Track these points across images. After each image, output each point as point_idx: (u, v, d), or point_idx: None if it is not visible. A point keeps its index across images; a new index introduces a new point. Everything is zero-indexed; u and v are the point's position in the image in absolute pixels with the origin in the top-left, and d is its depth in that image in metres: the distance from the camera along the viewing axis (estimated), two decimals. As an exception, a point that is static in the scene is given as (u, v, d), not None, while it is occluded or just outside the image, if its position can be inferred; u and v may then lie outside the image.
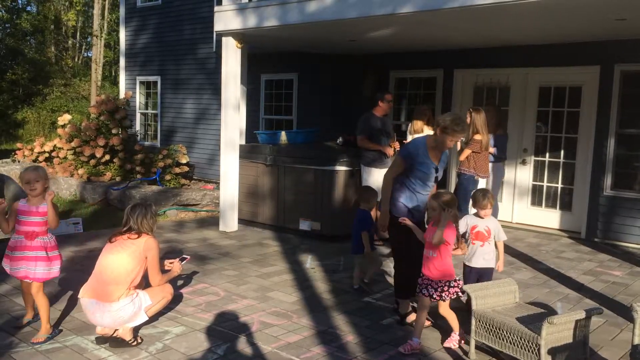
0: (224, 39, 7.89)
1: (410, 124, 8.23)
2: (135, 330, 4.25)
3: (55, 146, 11.60)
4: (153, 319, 4.62)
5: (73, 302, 4.97)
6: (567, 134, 8.31)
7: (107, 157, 10.58)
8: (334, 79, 10.46)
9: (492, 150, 7.33)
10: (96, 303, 4.04)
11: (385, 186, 4.76)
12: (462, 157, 6.98)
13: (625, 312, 5.07)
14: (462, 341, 4.27)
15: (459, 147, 7.44)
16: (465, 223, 4.78)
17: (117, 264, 4.10)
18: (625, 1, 5.23)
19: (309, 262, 6.48)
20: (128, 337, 4.11)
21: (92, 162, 10.59)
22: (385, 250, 7.10)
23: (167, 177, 10.79)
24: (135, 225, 4.20)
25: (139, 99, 13.64)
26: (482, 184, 7.19)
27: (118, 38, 18.03)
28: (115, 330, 4.15)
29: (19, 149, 12.69)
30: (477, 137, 6.90)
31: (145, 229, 4.22)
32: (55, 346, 4.10)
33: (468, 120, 7.01)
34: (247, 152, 8.30)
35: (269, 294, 5.40)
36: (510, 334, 3.75)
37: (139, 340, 4.17)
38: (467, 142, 6.99)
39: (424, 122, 8.02)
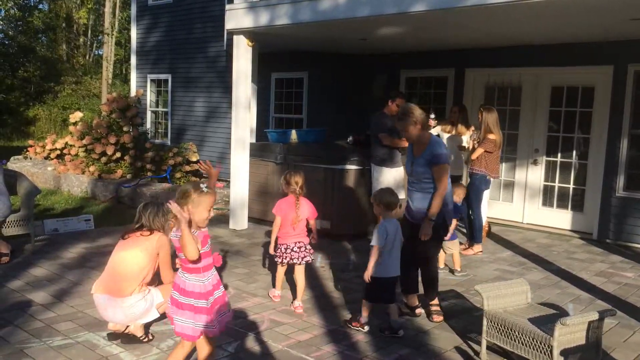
0: (235, 38, 7.90)
1: None
2: (147, 327, 4.27)
3: (66, 143, 11.68)
4: (164, 316, 4.64)
5: (85, 298, 5.00)
6: (580, 134, 8.26)
7: (118, 154, 10.63)
8: (345, 78, 10.45)
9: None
10: (109, 298, 4.06)
11: None
12: (474, 156, 6.93)
13: (638, 313, 5.04)
14: (299, 309, 4.87)
15: (470, 146, 7.41)
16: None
17: (130, 261, 4.12)
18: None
19: (319, 261, 6.47)
20: (139, 333, 4.14)
21: (103, 159, 10.65)
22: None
23: (178, 175, 10.82)
24: (147, 223, 4.22)
25: (150, 97, 13.69)
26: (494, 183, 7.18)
27: (129, 36, 18.10)
28: (127, 326, 4.17)
29: (31, 146, 12.80)
30: (491, 136, 6.84)
31: (157, 226, 4.24)
32: (67, 342, 4.12)
33: (480, 119, 6.97)
34: (258, 151, 8.30)
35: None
36: (522, 334, 3.72)
37: (150, 337, 4.19)
38: (480, 141, 6.96)
39: (446, 123, 7.98)
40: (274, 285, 5.31)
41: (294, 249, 4.93)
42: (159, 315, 4.27)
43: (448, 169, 4.68)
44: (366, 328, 4.48)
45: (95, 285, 4.19)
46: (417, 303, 4.90)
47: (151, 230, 4.22)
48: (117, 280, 4.09)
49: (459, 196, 6.28)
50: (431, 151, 4.66)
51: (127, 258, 4.13)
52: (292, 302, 5.01)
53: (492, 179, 7.05)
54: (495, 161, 6.95)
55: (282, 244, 4.95)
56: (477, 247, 7.00)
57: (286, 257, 4.93)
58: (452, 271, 6.18)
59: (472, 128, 7.48)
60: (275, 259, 5.04)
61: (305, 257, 4.96)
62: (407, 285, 4.92)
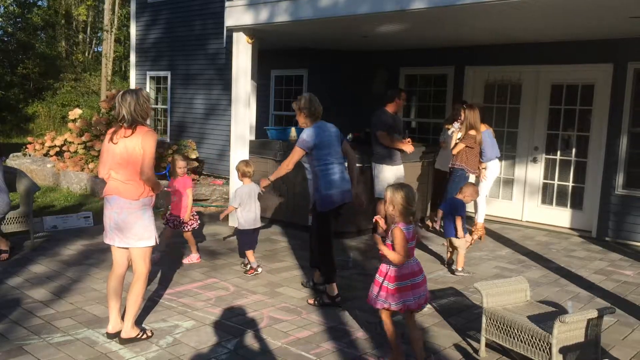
0: (235, 35, 7.89)
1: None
2: (140, 324, 4.28)
3: (66, 140, 11.65)
4: (163, 312, 4.65)
5: (84, 295, 5.01)
6: (579, 132, 8.26)
7: (118, 151, 10.62)
8: (344, 75, 10.45)
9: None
10: (117, 199, 3.93)
11: None
12: (456, 151, 7.01)
13: (636, 311, 5.05)
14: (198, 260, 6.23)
15: (453, 143, 7.43)
16: None
17: (124, 150, 3.93)
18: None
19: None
20: (134, 334, 4.09)
21: (103, 156, 10.64)
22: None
23: (177, 172, 10.81)
24: (129, 115, 3.90)
25: (149, 94, 13.66)
26: (471, 179, 7.27)
27: (128, 33, 18.07)
28: (121, 330, 4.12)
29: (30, 143, 12.77)
30: (472, 132, 6.97)
31: (138, 115, 3.93)
32: (66, 339, 4.12)
33: (462, 116, 7.07)
34: (257, 148, 8.30)
35: (278, 289, 5.41)
36: (521, 332, 3.73)
37: (149, 334, 4.18)
38: (462, 137, 7.04)
39: (449, 122, 8.00)
40: (159, 246, 6.01)
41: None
42: (154, 245, 4.08)
43: (296, 151, 5.03)
44: (259, 270, 5.86)
45: (104, 191, 4.06)
46: (336, 292, 5.02)
47: (134, 124, 3.93)
48: (123, 168, 3.92)
49: (471, 197, 6.23)
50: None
51: (121, 148, 3.94)
52: (190, 256, 6.26)
53: (471, 174, 7.15)
54: (475, 157, 7.07)
55: (176, 214, 6.22)
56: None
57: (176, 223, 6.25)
58: (452, 270, 6.18)
59: (455, 125, 7.58)
60: (167, 224, 6.31)
61: (193, 223, 6.32)
62: (312, 260, 5.40)
